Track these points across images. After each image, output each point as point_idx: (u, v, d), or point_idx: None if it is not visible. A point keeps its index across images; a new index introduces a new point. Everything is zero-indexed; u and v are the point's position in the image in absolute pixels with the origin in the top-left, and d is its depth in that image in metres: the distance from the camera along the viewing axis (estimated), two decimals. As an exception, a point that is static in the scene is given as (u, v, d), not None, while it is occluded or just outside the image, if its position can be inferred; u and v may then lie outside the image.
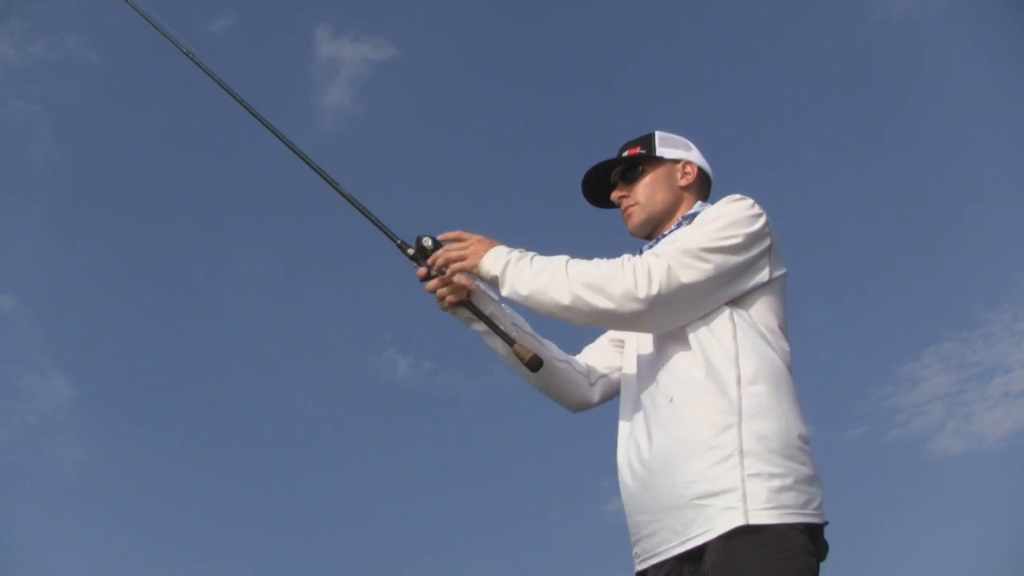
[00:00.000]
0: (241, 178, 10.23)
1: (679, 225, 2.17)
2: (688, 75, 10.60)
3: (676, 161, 2.26)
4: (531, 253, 1.99)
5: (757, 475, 1.77)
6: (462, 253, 2.03)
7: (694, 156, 2.29)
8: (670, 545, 1.86)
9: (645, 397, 2.00)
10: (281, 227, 10.13)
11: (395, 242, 2.15)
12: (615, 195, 2.28)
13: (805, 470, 1.82)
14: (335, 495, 9.11)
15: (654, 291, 1.85)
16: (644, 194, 2.23)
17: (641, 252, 2.23)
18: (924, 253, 9.99)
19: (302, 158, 2.33)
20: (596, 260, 1.94)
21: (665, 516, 1.86)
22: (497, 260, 1.97)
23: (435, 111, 10.63)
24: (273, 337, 9.84)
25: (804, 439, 1.87)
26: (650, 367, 2.02)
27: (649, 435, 1.95)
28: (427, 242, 2.09)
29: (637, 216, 2.23)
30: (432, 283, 2.10)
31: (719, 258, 1.92)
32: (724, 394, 1.86)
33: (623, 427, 2.08)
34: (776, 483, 1.77)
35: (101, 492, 8.68)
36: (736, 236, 1.95)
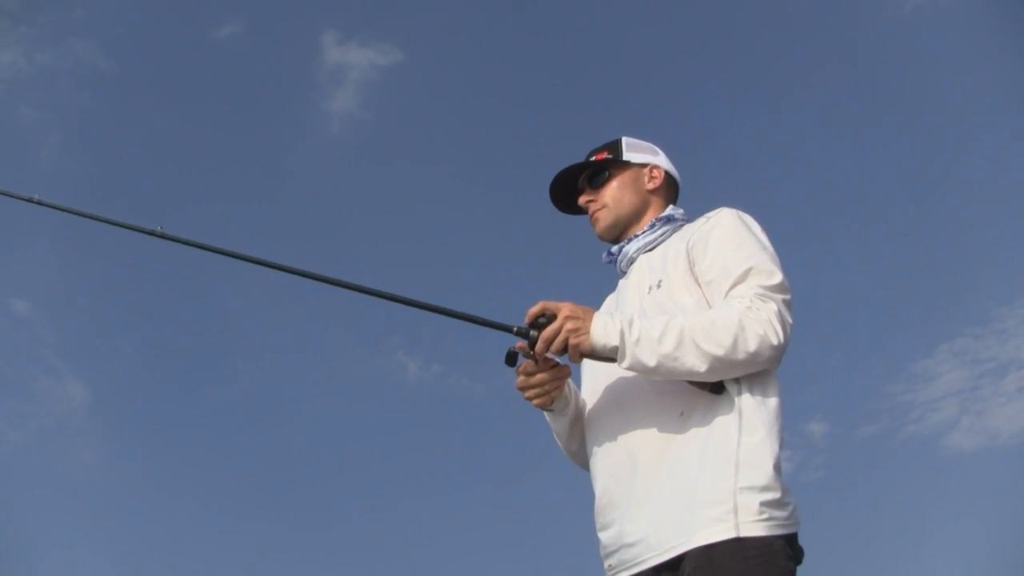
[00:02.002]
0: (252, 181, 10.27)
1: (652, 226, 2.20)
2: (696, 73, 10.59)
3: (643, 165, 2.28)
4: (628, 316, 1.89)
5: (750, 488, 1.79)
6: (575, 327, 1.86)
7: (661, 160, 2.31)
8: (652, 555, 1.85)
9: (643, 408, 1.98)
10: (291, 230, 10.17)
11: (529, 353, 1.91)
12: (582, 199, 2.29)
13: (783, 482, 1.84)
14: (346, 496, 9.15)
15: (783, 336, 1.87)
16: (611, 197, 2.25)
17: (610, 254, 2.27)
18: (937, 249, 9.95)
19: (372, 293, 2.12)
20: (706, 314, 1.89)
21: (652, 525, 1.86)
22: (608, 330, 1.85)
23: (441, 116, 10.67)
24: (284, 340, 9.89)
25: (782, 447, 1.90)
26: (646, 381, 1.98)
27: (650, 447, 1.93)
28: (533, 333, 1.87)
29: (604, 219, 2.25)
30: (540, 377, 1.98)
31: (787, 280, 1.96)
32: (731, 405, 1.89)
33: (607, 440, 2.03)
34: (768, 496, 1.79)
35: (115, 494, 8.74)
36: (772, 249, 2.02)
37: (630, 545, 1.90)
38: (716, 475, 1.81)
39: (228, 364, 9.69)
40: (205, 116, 10.32)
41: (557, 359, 1.91)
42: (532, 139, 10.55)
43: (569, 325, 1.85)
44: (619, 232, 2.25)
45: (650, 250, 2.19)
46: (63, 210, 2.55)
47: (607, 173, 2.27)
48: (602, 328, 1.85)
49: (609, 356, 1.87)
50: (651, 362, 1.84)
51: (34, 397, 8.94)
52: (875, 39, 10.17)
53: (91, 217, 2.48)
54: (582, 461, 2.18)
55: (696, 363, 1.83)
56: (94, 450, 8.97)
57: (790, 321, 1.90)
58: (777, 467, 1.83)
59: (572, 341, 1.85)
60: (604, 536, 2.00)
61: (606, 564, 1.99)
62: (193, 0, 10.27)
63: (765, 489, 1.79)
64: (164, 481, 8.84)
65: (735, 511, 1.76)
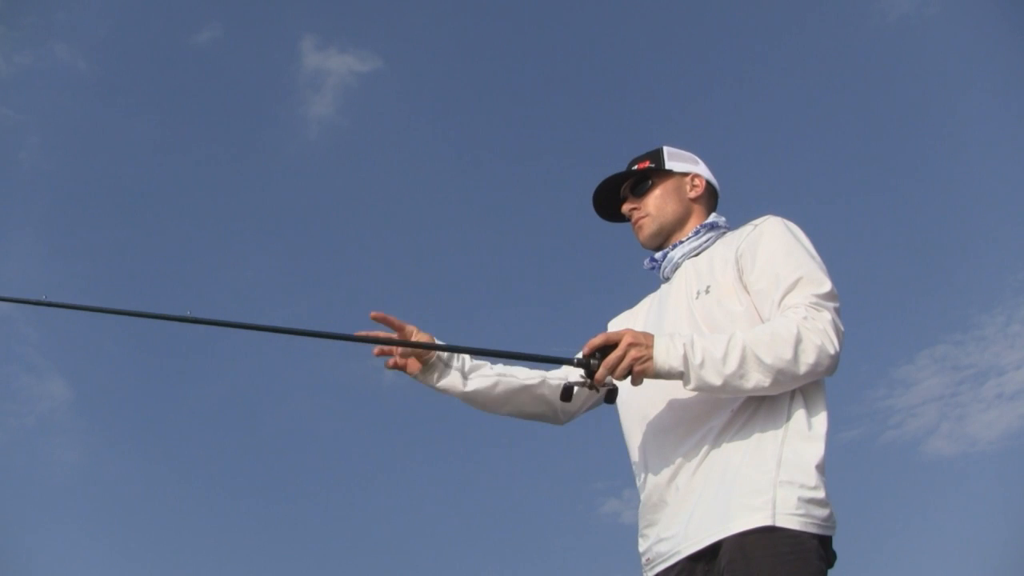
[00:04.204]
0: (230, 184, 10.27)
1: (697, 232, 2.24)
2: (685, 82, 10.65)
3: (685, 174, 2.32)
4: (688, 337, 1.90)
5: (790, 483, 1.83)
6: (638, 355, 1.86)
7: (702, 169, 2.35)
8: (688, 544, 1.89)
9: (694, 406, 2.00)
10: (269, 235, 10.18)
11: (586, 384, 1.92)
12: (626, 207, 2.32)
13: (825, 486, 1.87)
14: (327, 497, 9.14)
15: (839, 345, 1.90)
16: (655, 206, 2.28)
17: (653, 260, 2.30)
18: (919, 256, 10.05)
19: (447, 349, 2.18)
20: (764, 328, 1.91)
21: (692, 517, 1.90)
22: (670, 354, 1.86)
23: (420, 123, 10.68)
24: (264, 343, 9.87)
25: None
26: None
27: (700, 447, 1.97)
28: (593, 363, 1.89)
29: (648, 227, 2.28)
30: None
31: (836, 288, 1.99)
32: (780, 406, 1.94)
33: (657, 439, 2.06)
34: (808, 494, 1.83)
35: (97, 494, 8.70)
36: (820, 258, 2.05)
37: (668, 538, 1.94)
38: (757, 469, 1.86)
39: (209, 364, 9.65)
40: (184, 119, 10.27)
41: (616, 383, 1.92)
42: (512, 147, 10.59)
43: (633, 353, 1.85)
44: (662, 240, 2.29)
45: (695, 256, 2.23)
46: (82, 309, 2.28)
47: (650, 182, 2.31)
48: (664, 353, 1.86)
49: (674, 379, 1.89)
50: (717, 382, 1.86)
51: (15, 395, 8.87)
52: (859, 48, 10.26)
53: (119, 312, 2.26)
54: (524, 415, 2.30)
55: (761, 378, 1.86)
56: (76, 449, 8.92)
57: (842, 329, 1.93)
58: (820, 468, 1.87)
59: (636, 368, 1.86)
60: (646, 532, 2.04)
61: (644, 559, 2.03)
62: (173, 5, 10.24)
63: (805, 487, 1.83)
64: (146, 479, 8.81)
65: (773, 502, 1.80)
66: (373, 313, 2.16)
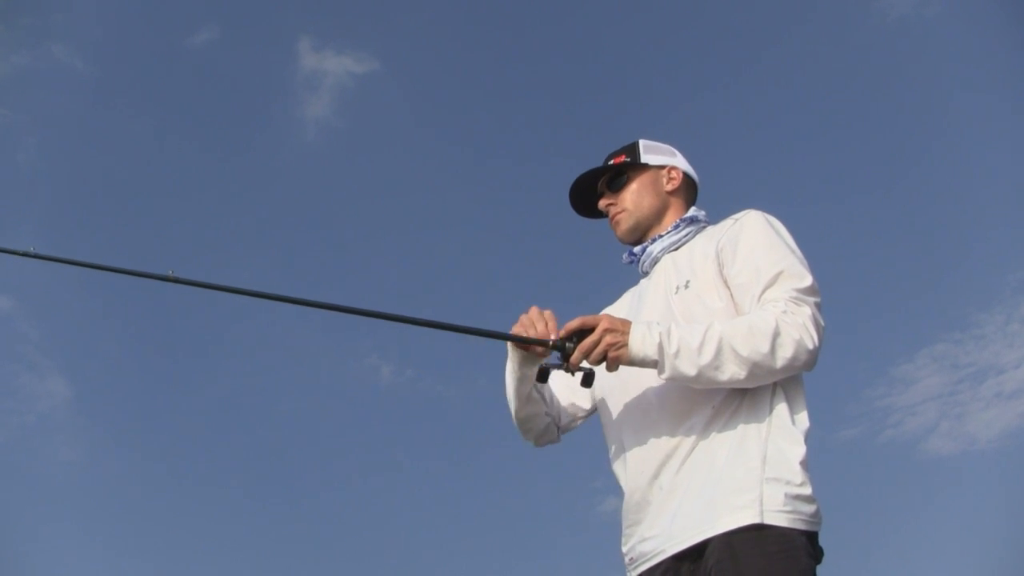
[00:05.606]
0: (227, 185, 10.27)
1: (677, 227, 2.21)
2: (683, 81, 10.66)
3: (661, 167, 2.30)
4: (665, 326, 1.89)
5: (776, 479, 1.82)
6: (613, 341, 1.86)
7: (679, 162, 2.32)
8: (672, 543, 1.87)
9: (677, 404, 1.99)
10: (266, 236, 10.19)
11: (562, 367, 1.90)
12: (602, 203, 2.30)
13: (811, 482, 1.86)
14: (326, 496, 9.16)
15: (818, 340, 1.89)
16: (631, 200, 2.26)
17: (632, 254, 2.28)
18: (918, 255, 10.06)
19: (415, 322, 2.00)
20: (742, 320, 1.90)
21: (676, 517, 1.88)
22: (645, 342, 1.86)
23: (417, 124, 10.69)
24: (262, 342, 9.87)
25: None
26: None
27: (683, 445, 1.95)
28: (568, 346, 1.89)
29: (625, 222, 2.26)
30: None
31: (817, 283, 1.98)
32: (762, 402, 1.93)
33: (638, 437, 2.03)
34: (794, 490, 1.82)
35: (97, 492, 8.71)
36: (800, 252, 2.04)
37: (652, 537, 1.93)
38: (743, 466, 1.85)
39: (208, 363, 9.67)
40: (181, 120, 10.29)
41: (592, 368, 1.91)
42: (509, 149, 10.61)
43: (608, 338, 1.85)
44: (640, 234, 2.27)
45: (675, 250, 2.21)
46: (69, 263, 2.37)
47: (626, 176, 2.29)
48: (640, 341, 1.86)
49: (648, 367, 1.88)
50: (691, 372, 1.85)
51: (15, 394, 8.89)
52: (858, 49, 10.27)
53: (100, 268, 2.36)
54: (530, 428, 2.20)
55: (736, 371, 1.85)
56: (75, 447, 8.94)
57: (823, 324, 1.92)
58: (804, 464, 1.86)
59: (611, 354, 1.86)
60: (630, 531, 2.02)
61: (627, 559, 2.01)
62: (170, 6, 10.25)
63: (792, 483, 1.82)
64: (145, 478, 8.83)
65: (760, 500, 1.79)
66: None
